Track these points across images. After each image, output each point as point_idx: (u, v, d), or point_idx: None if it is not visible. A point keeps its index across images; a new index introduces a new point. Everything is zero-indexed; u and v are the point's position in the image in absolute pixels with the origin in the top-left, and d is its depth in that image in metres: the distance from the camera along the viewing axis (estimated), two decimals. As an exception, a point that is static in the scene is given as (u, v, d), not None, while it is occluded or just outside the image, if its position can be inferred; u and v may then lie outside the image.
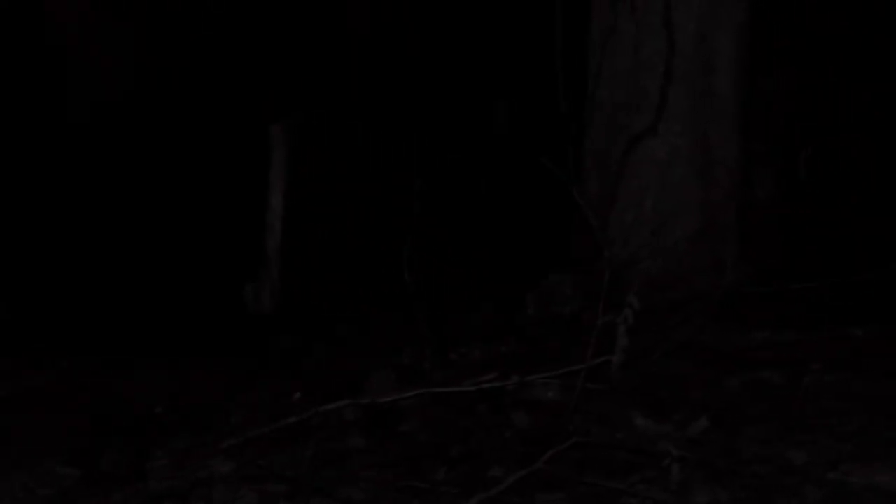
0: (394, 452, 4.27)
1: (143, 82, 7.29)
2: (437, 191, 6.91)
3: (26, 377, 5.31)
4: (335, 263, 6.86)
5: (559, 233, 6.23)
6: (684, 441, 4.30)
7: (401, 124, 7.22)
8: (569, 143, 6.12)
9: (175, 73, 7.27)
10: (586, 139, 6.20)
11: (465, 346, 5.15)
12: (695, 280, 5.76)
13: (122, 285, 6.83)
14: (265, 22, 7.26)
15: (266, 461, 4.23)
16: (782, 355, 4.83)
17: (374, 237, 6.87)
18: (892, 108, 6.31)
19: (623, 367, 4.81)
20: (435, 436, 4.36)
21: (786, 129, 6.29)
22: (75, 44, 7.28)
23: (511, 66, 7.29)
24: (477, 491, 3.94)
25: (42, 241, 6.99)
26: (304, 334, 6.07)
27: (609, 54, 6.11)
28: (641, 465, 4.12)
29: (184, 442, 4.52)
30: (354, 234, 6.92)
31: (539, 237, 6.49)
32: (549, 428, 4.42)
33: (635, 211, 5.94)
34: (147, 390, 5.17)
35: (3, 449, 4.57)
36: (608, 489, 3.99)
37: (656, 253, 5.81)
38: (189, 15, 7.25)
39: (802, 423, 4.34)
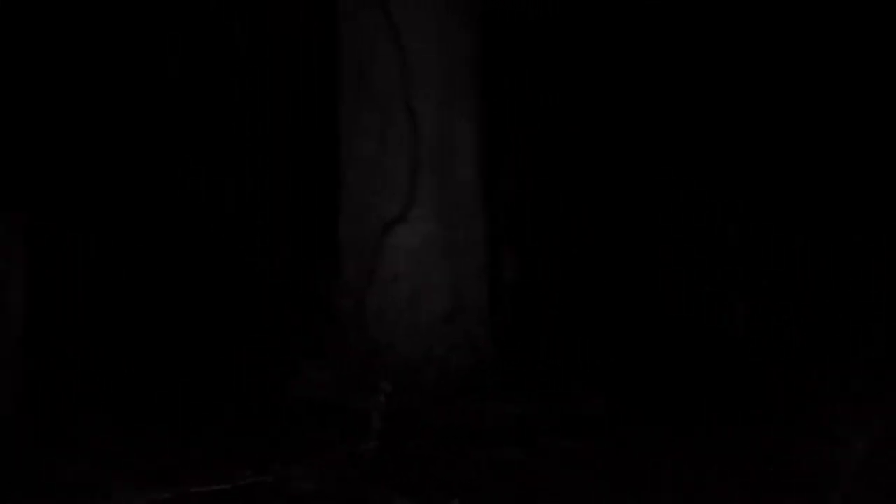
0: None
1: None
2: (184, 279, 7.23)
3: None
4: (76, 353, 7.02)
5: (321, 321, 6.63)
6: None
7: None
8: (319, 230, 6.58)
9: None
10: (340, 226, 6.62)
11: (223, 440, 5.49)
12: (449, 360, 6.22)
13: None
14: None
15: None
16: (523, 430, 5.35)
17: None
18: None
19: (379, 451, 5.23)
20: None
21: (527, 216, 6.86)
22: None
23: (263, 152, 7.67)
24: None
25: None
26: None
27: (356, 142, 6.55)
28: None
29: None
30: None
31: (301, 326, 6.86)
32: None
33: (390, 294, 6.37)
34: None
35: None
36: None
37: (411, 335, 6.26)
38: None
39: (542, 494, 4.84)
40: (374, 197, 6.46)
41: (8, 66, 7.41)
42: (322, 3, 6.91)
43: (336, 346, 6.37)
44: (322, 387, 6.28)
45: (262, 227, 7.38)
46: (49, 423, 5.71)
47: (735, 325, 6.85)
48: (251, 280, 7.33)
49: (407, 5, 6.42)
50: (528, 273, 6.83)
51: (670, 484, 4.92)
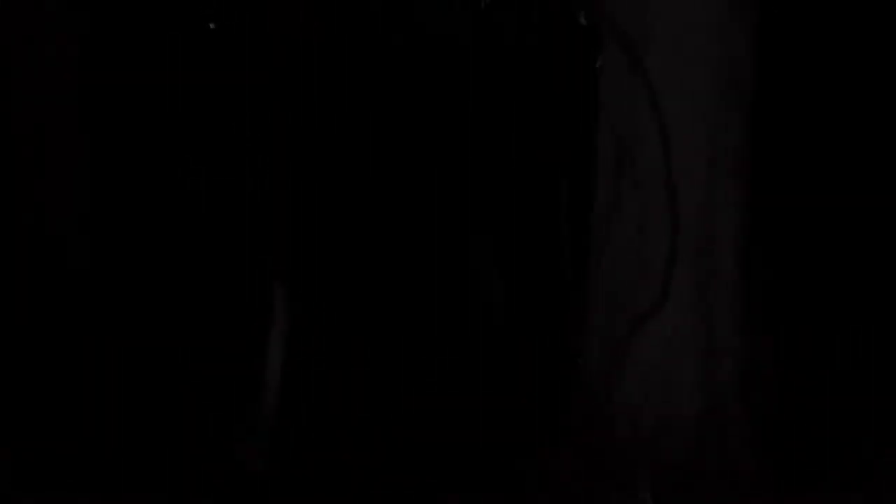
0: None
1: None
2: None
3: None
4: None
5: (554, 402, 6.46)
6: None
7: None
8: (570, 315, 6.41)
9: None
10: (588, 314, 6.44)
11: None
12: (701, 463, 5.98)
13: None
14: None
15: None
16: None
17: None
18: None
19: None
20: None
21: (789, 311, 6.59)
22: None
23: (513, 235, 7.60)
24: None
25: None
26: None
27: (612, 229, 6.37)
28: None
29: None
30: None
31: (533, 406, 6.72)
32: None
33: (639, 387, 6.16)
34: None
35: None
36: None
37: (660, 432, 6.04)
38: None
39: None
40: (629, 285, 6.27)
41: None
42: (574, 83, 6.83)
43: (578, 434, 6.18)
44: (563, 477, 6.10)
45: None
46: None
47: None
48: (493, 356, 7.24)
49: (674, 89, 6.25)
50: (791, 374, 6.56)
51: None
